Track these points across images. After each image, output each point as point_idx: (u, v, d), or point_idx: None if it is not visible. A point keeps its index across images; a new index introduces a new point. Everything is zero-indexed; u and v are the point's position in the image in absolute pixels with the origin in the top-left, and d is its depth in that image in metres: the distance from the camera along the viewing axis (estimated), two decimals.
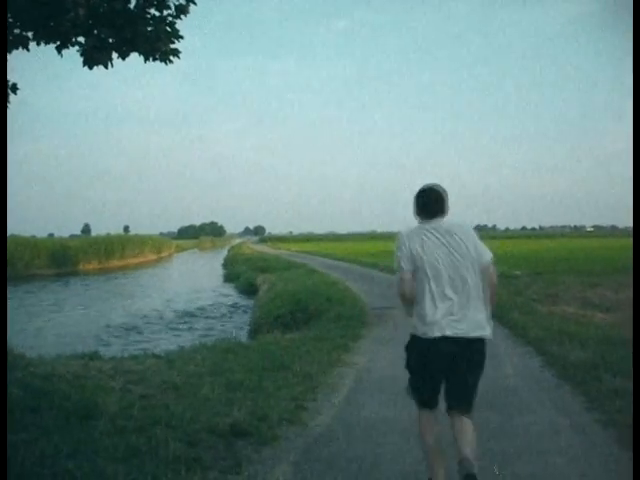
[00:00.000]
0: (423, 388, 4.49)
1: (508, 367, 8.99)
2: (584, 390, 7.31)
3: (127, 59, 5.98)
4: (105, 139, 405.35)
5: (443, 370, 4.29)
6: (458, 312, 4.12)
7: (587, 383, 7.52)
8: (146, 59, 5.98)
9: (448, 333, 4.11)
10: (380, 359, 9.71)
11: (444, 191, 4.40)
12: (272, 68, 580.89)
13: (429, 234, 4.22)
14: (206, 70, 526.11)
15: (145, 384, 7.60)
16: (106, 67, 5.86)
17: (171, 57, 6.03)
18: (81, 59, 5.81)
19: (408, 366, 4.69)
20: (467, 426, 4.25)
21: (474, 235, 4.29)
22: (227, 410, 6.35)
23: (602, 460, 5.18)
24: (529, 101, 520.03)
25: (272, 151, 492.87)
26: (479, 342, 4.20)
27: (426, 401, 4.51)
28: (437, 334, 4.15)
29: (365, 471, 5.03)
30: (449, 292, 4.14)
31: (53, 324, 21.81)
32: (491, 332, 4.28)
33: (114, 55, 5.90)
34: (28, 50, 5.80)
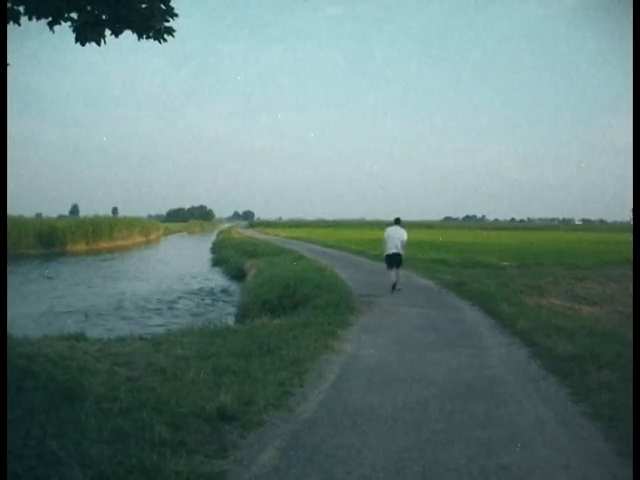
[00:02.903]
0: (388, 265, 17.00)
1: (495, 357, 9.02)
2: (570, 382, 7.34)
3: (120, 38, 5.87)
4: (95, 120, 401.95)
5: (393, 260, 16.78)
6: (396, 248, 16.76)
7: (574, 375, 7.55)
8: (139, 37, 5.85)
9: (394, 251, 16.71)
10: (367, 346, 9.71)
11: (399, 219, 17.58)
12: (265, 53, 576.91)
13: (392, 229, 17.08)
14: (199, 53, 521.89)
15: (131, 366, 7.56)
16: (98, 44, 5.75)
17: (165, 36, 5.91)
18: (73, 36, 5.70)
19: (385, 260, 17.17)
20: (400, 273, 17.06)
21: (403, 230, 16.97)
22: (213, 394, 6.33)
23: (587, 452, 5.19)
24: (521, 93, 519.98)
25: (263, 136, 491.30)
26: (400, 255, 16.82)
27: (389, 267, 16.94)
28: (391, 252, 16.72)
29: (351, 457, 5.02)
30: (393, 244, 16.81)
31: (39, 303, 21.68)
32: (403, 254, 16.94)
33: (107, 32, 5.79)
34: (19, 25, 5.69)
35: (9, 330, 8.30)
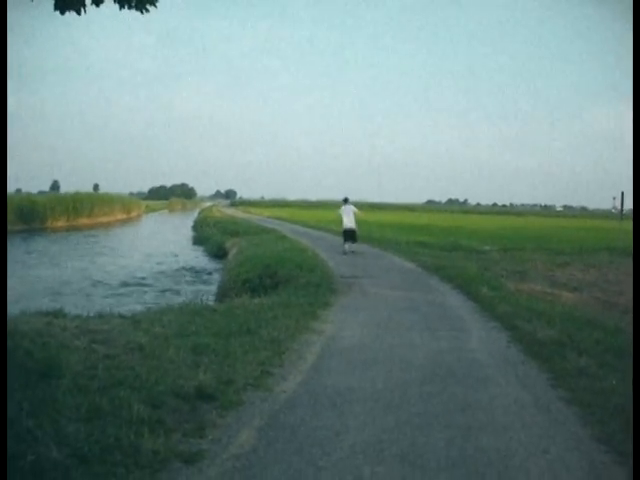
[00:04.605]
0: (345, 239, 22.24)
1: (475, 341, 9.05)
2: (550, 367, 7.38)
3: (102, 8, 5.70)
4: (77, 95, 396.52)
5: (348, 235, 22.04)
6: (350, 223, 22.03)
7: (553, 360, 7.60)
8: (121, 6, 5.69)
9: (349, 227, 21.98)
10: (347, 327, 9.71)
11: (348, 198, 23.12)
12: (251, 29, 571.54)
13: (345, 207, 22.52)
14: (181, 28, 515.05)
15: (110, 344, 7.48)
16: (78, 13, 5.57)
17: (147, 6, 5.76)
18: (52, 4, 5.54)
19: (343, 234, 22.55)
20: (354, 245, 22.40)
21: (354, 207, 22.62)
22: (192, 373, 6.29)
23: (564, 437, 5.22)
24: (506, 79, 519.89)
25: (246, 115, 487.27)
26: (354, 230, 22.25)
27: (345, 240, 22.19)
28: (347, 227, 22.02)
29: (329, 438, 5.01)
30: (348, 219, 21.98)
31: (18, 280, 21.48)
32: (356, 227, 22.47)
33: (88, 1, 5.63)
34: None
35: None
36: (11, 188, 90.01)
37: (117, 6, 5.70)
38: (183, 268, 25.52)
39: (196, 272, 24.53)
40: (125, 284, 20.94)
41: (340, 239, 28.93)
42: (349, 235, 22.22)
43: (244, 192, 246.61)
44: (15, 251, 32.43)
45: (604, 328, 9.62)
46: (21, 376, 5.52)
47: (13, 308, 10.26)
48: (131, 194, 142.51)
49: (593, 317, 10.56)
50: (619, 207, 29.74)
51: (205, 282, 21.78)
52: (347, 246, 22.17)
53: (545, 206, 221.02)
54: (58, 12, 5.57)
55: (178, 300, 13.93)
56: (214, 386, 5.97)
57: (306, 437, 5.02)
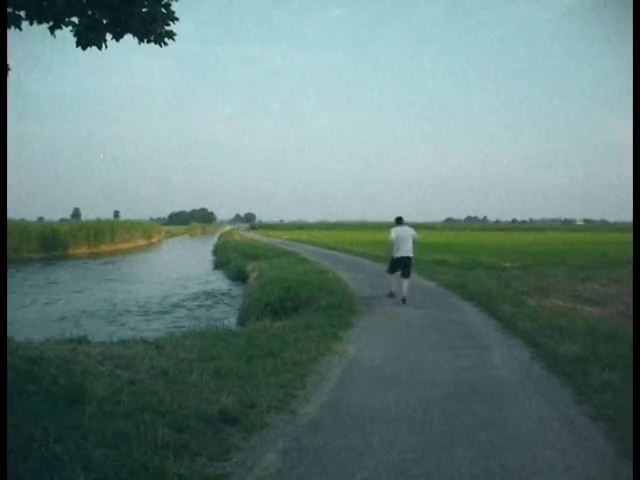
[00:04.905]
0: (392, 269, 15.49)
1: (497, 358, 9.01)
2: (573, 383, 7.34)
3: (121, 42, 5.88)
4: (97, 123, 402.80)
5: (401, 264, 15.15)
6: (406, 250, 15.11)
7: (576, 376, 7.55)
8: (140, 41, 5.87)
9: (403, 255, 15.10)
10: (369, 348, 9.71)
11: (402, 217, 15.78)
12: (266, 55, 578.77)
13: (400, 228, 15.10)
14: (200, 56, 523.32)
15: (134, 369, 7.56)
16: (100, 48, 5.76)
17: (166, 39, 5.93)
18: (74, 40, 5.71)
19: (390, 262, 15.58)
20: (406, 283, 14.95)
21: (413, 230, 15.30)
22: (216, 397, 6.34)
23: (590, 453, 5.19)
24: (524, 94, 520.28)
25: (264, 139, 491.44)
26: (410, 258, 15.18)
27: (392, 272, 15.51)
28: (400, 255, 15.14)
29: (353, 460, 5.02)
30: (404, 245, 15.06)
31: (39, 307, 21.69)
32: (413, 256, 15.37)
33: (108, 36, 5.80)
34: (21, 29, 5.70)
35: (10, 334, 8.32)
36: (33, 216, 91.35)
37: (137, 40, 5.86)
38: (204, 292, 25.59)
39: (217, 296, 24.57)
40: (145, 311, 21.02)
41: (361, 260, 28.49)
42: (403, 264, 15.31)
43: (263, 215, 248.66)
44: (32, 278, 32.82)
45: (627, 342, 9.53)
46: (47, 402, 5.61)
47: (38, 334, 10.44)
48: (151, 220, 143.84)
49: (616, 331, 10.45)
50: None
51: (226, 306, 21.83)
52: (393, 280, 15.74)
53: (565, 220, 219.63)
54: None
55: (200, 324, 13.99)
56: (238, 409, 6.00)
57: (330, 458, 5.04)
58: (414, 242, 15.30)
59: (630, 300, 15.90)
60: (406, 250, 15.15)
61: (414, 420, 6.10)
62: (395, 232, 15.28)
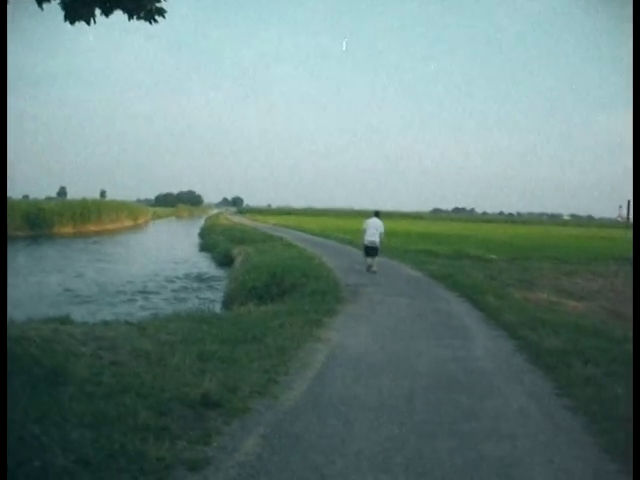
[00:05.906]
0: (365, 253, 19.33)
1: (480, 350, 9.04)
2: (555, 376, 7.37)
3: (111, 18, 5.75)
4: (85, 102, 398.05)
5: (370, 250, 18.95)
6: (371, 238, 18.87)
7: (558, 369, 7.59)
8: (130, 17, 5.72)
9: (368, 240, 18.99)
10: (353, 335, 9.70)
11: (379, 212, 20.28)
12: (258, 38, 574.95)
13: (370, 220, 19.23)
14: (190, 36, 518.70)
15: (116, 351, 7.51)
16: (88, 23, 5.62)
17: (156, 16, 5.80)
18: (63, 14, 5.58)
19: (363, 249, 19.60)
20: (372, 261, 19.05)
21: (380, 222, 19.11)
22: (198, 380, 6.29)
23: (570, 447, 5.21)
24: (513, 88, 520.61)
25: (254, 122, 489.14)
26: (374, 243, 18.87)
27: (366, 256, 19.22)
28: (368, 241, 18.95)
29: (334, 447, 5.01)
30: (369, 234, 18.91)
31: (26, 286, 21.54)
32: (379, 244, 19.05)
33: (97, 12, 5.67)
34: (7, 2, 5.57)
35: None
36: (18, 194, 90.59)
37: (126, 16, 5.74)
38: (189, 275, 25.53)
39: (202, 279, 24.52)
40: (130, 291, 20.94)
41: (347, 247, 28.86)
42: (370, 249, 18.88)
43: (251, 200, 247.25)
44: (21, 256, 32.61)
45: (610, 337, 9.60)
46: (28, 382, 5.54)
47: (19, 314, 10.33)
48: (138, 201, 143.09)
49: (599, 326, 10.53)
50: (625, 216, 29.69)
51: (211, 289, 21.79)
52: (369, 260, 19.05)
53: (552, 215, 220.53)
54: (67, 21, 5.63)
55: (184, 307, 13.95)
56: (220, 393, 5.97)
57: (311, 445, 5.02)
58: (380, 233, 18.92)
59: (614, 296, 16.03)
60: (371, 238, 18.90)
61: (396, 409, 6.10)
62: (365, 223, 19.53)
